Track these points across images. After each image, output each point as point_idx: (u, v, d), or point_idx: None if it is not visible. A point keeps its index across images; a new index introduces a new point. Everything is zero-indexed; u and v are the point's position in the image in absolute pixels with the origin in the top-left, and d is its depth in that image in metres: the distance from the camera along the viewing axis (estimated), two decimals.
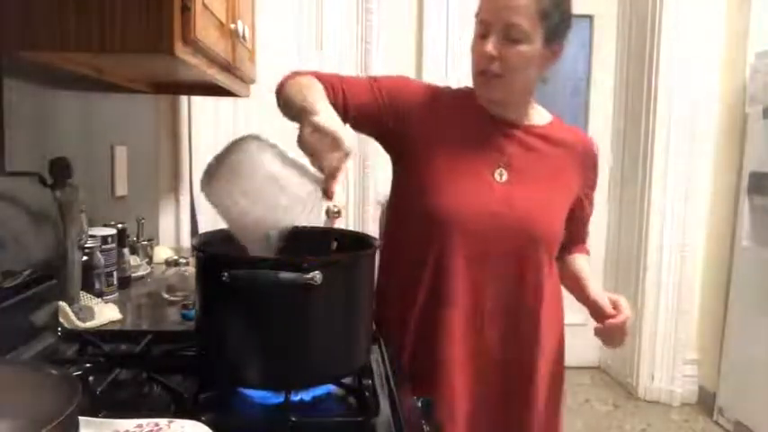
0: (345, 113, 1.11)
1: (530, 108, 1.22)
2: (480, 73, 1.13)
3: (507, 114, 1.19)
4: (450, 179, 1.14)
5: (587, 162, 1.24)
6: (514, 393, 1.18)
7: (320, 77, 1.10)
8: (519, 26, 1.07)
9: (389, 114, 1.16)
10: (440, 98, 1.21)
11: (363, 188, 2.78)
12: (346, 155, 0.87)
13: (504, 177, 1.16)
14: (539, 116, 1.23)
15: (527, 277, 1.15)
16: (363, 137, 1.28)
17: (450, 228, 1.12)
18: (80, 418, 0.59)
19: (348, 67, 2.77)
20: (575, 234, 1.28)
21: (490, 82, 1.12)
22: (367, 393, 0.85)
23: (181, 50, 0.98)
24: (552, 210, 1.18)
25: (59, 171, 1.12)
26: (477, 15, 1.12)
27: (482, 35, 1.10)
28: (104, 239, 1.38)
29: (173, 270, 1.49)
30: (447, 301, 1.14)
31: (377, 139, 1.23)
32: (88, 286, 1.29)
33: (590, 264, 1.32)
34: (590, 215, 1.32)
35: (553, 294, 1.21)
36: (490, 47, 1.08)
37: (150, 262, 1.78)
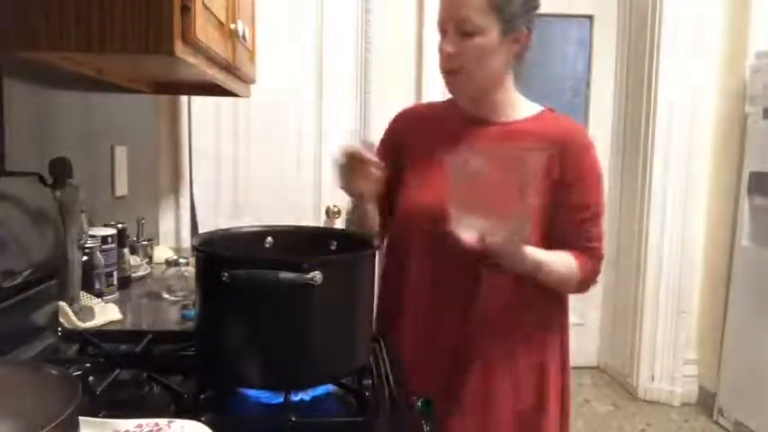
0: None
1: (505, 103, 1.21)
2: (444, 72, 1.17)
3: (482, 112, 1.21)
4: (416, 181, 1.21)
5: (565, 152, 1.14)
6: (472, 391, 1.17)
7: None
8: (470, 19, 1.10)
9: (391, 163, 1.23)
10: (421, 115, 1.32)
11: None
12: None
13: None
14: (519, 110, 1.22)
15: (479, 272, 1.15)
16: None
17: (407, 224, 1.20)
18: (80, 418, 0.59)
19: (348, 68, 2.78)
20: (561, 231, 1.16)
21: (456, 79, 1.16)
22: (367, 393, 0.84)
23: (181, 50, 0.98)
24: None
25: (59, 171, 1.12)
26: (438, 18, 1.16)
27: (442, 35, 1.15)
28: (104, 239, 1.38)
29: (173, 270, 1.49)
30: (405, 292, 1.20)
31: None
32: (88, 286, 1.29)
33: (567, 264, 1.15)
34: (578, 220, 1.16)
35: (517, 287, 1.16)
36: (447, 44, 1.13)
37: (150, 262, 1.78)
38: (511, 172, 1.00)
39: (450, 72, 1.16)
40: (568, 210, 1.16)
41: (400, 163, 1.26)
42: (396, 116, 1.34)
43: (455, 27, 1.12)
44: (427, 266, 1.19)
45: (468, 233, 0.98)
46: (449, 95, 1.28)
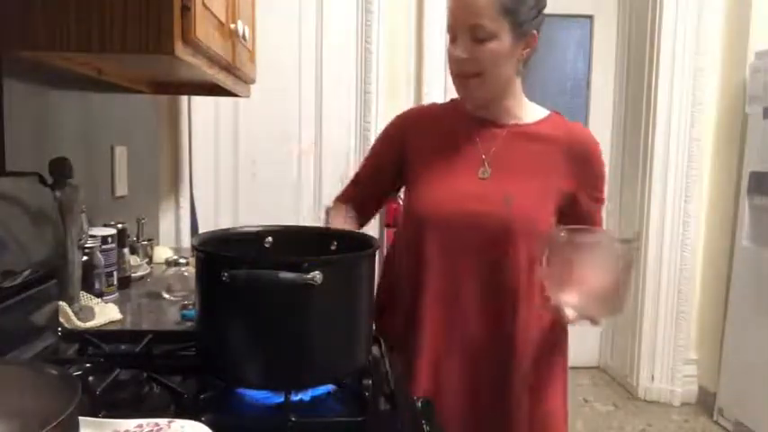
0: (371, 194, 1.34)
1: (515, 106, 1.22)
2: (456, 76, 1.17)
3: (491, 115, 1.22)
4: (430, 183, 1.20)
5: (579, 159, 1.20)
6: (494, 386, 1.19)
7: (339, 197, 1.36)
8: (482, 26, 1.09)
9: (393, 161, 1.28)
10: (425, 115, 1.31)
11: None
12: None
13: (488, 174, 1.19)
14: (529, 113, 1.23)
15: (503, 271, 1.16)
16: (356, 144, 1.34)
17: (426, 228, 1.18)
18: (80, 418, 0.59)
19: (348, 68, 2.78)
20: (576, 221, 1.23)
21: (469, 82, 1.15)
22: (367, 393, 0.84)
23: (181, 50, 0.98)
24: (535, 204, 1.17)
25: (59, 171, 1.12)
26: (447, 22, 1.16)
27: (452, 40, 1.14)
28: (104, 239, 1.38)
29: (173, 270, 1.49)
30: (426, 297, 1.18)
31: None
32: (88, 286, 1.29)
33: None
34: (593, 213, 1.25)
35: (538, 288, 1.18)
36: (460, 50, 1.12)
37: (150, 262, 1.78)
38: (610, 258, 1.03)
39: (464, 76, 1.14)
40: (588, 204, 1.24)
41: (402, 161, 1.26)
42: (399, 116, 1.34)
43: (467, 33, 1.10)
44: (441, 263, 1.17)
45: (566, 309, 1.02)
46: (449, 96, 1.28)
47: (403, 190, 1.32)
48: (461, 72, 1.14)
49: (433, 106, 1.34)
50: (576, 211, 1.22)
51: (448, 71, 1.20)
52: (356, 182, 1.36)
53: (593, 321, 1.06)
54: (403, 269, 1.25)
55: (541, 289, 1.08)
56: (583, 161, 1.21)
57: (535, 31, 1.15)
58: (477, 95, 1.18)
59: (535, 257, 1.16)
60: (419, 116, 1.32)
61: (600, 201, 1.26)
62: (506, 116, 1.21)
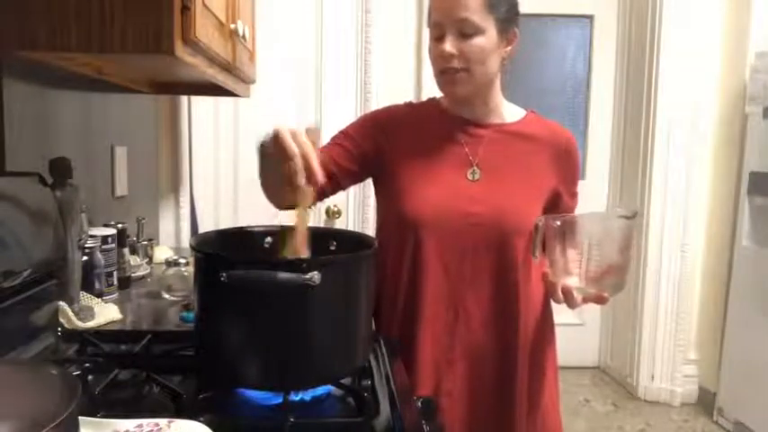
0: (330, 177, 1.17)
1: (498, 105, 1.23)
2: (442, 72, 1.16)
3: (474, 114, 1.22)
4: (421, 185, 1.18)
5: (563, 156, 1.23)
6: (497, 387, 1.19)
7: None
8: (470, 20, 1.10)
9: (364, 154, 1.22)
10: (402, 114, 1.27)
11: (363, 188, 2.79)
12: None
13: (477, 176, 1.19)
14: (510, 113, 1.25)
15: (504, 272, 1.17)
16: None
17: (422, 230, 1.16)
18: (80, 417, 0.59)
19: (348, 68, 2.78)
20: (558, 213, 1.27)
21: (454, 78, 1.15)
22: (366, 394, 0.84)
23: (181, 50, 0.98)
24: (527, 205, 1.18)
25: (59, 171, 1.12)
26: (429, 22, 1.16)
27: (437, 37, 1.14)
28: (104, 239, 1.38)
29: (173, 270, 1.49)
30: (424, 299, 1.17)
31: (371, 176, 1.28)
32: (88, 286, 1.29)
33: None
34: (572, 208, 1.28)
35: (533, 287, 1.20)
36: (447, 46, 1.11)
37: (150, 262, 1.78)
38: (611, 235, 1.04)
39: (448, 71, 1.14)
40: (569, 197, 1.27)
41: (378, 159, 1.22)
42: (378, 112, 1.30)
43: (454, 28, 1.11)
44: (442, 268, 1.16)
45: (574, 293, 1.02)
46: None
47: (374, 191, 1.29)
48: (448, 68, 1.13)
49: (411, 105, 1.31)
50: (559, 208, 1.24)
51: None
52: (331, 159, 1.21)
53: (600, 301, 1.04)
54: (389, 270, 1.20)
55: (544, 277, 1.08)
56: (565, 158, 1.24)
57: (516, 29, 1.17)
58: (462, 91, 1.17)
59: (530, 255, 1.17)
60: (398, 115, 1.27)
61: (576, 195, 1.29)
62: (489, 116, 1.22)
